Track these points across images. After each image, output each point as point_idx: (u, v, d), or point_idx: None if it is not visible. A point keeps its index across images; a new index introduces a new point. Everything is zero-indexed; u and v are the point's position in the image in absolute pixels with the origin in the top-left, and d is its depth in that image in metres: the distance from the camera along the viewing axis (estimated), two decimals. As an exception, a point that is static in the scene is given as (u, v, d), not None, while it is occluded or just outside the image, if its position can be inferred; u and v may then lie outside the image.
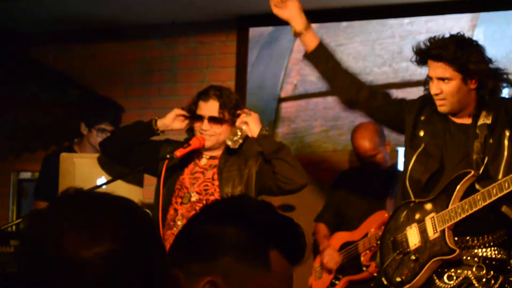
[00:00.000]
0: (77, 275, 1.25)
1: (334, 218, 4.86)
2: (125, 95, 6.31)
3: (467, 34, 5.22)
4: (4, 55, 6.34)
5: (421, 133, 3.58)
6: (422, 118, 3.61)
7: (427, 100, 3.63)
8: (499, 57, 5.15)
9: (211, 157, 4.04)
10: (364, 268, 4.52)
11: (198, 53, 6.11)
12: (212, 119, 3.98)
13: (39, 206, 5.13)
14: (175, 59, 6.20)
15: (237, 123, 3.98)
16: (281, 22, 6.04)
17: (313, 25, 5.86)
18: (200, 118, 4.00)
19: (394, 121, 3.73)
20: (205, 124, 3.98)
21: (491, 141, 3.44)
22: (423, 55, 3.53)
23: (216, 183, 3.97)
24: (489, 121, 3.47)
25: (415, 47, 3.55)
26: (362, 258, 4.57)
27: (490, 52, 5.12)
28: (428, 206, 3.49)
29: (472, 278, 3.39)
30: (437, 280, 3.46)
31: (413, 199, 3.54)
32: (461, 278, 3.41)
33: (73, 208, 1.31)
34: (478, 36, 5.20)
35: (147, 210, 4.43)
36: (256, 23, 5.92)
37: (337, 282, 4.69)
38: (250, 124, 3.97)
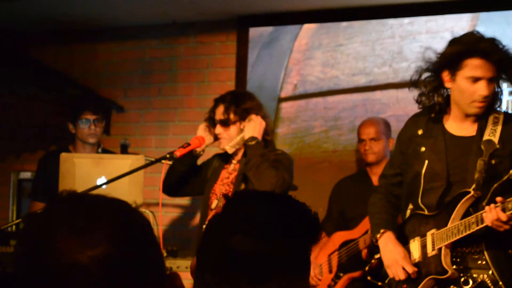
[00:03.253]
0: (73, 279, 1.25)
1: (331, 224, 4.89)
2: (125, 95, 6.32)
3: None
4: (4, 55, 6.34)
5: (422, 149, 3.49)
6: (420, 132, 3.52)
7: (420, 114, 3.57)
8: (499, 57, 5.17)
9: (238, 161, 4.12)
10: (367, 268, 4.51)
11: (198, 53, 6.11)
12: (220, 122, 4.10)
13: (36, 206, 5.13)
14: (175, 59, 6.20)
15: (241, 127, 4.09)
16: (281, 22, 6.07)
17: (313, 25, 5.90)
18: (215, 124, 4.16)
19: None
20: (217, 128, 4.12)
21: (493, 162, 3.36)
22: (470, 52, 3.32)
23: (232, 186, 4.05)
24: (495, 139, 3.37)
25: (462, 46, 3.33)
26: (363, 255, 4.56)
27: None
28: (431, 221, 3.44)
29: (488, 282, 3.35)
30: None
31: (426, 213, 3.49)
32: (477, 282, 3.36)
33: (67, 211, 1.30)
34: (478, 36, 5.20)
35: (148, 211, 4.45)
36: (256, 23, 5.92)
37: (337, 280, 4.70)
38: (245, 130, 4.06)
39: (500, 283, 3.33)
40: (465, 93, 3.35)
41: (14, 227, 4.90)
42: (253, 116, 4.08)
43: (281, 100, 5.82)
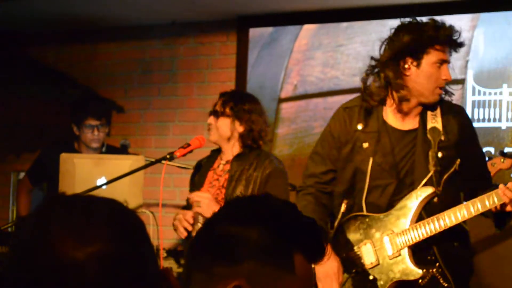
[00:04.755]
0: (70, 277, 1.25)
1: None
2: (125, 95, 6.32)
3: (467, 35, 5.26)
4: (4, 55, 6.34)
5: (365, 145, 3.36)
6: (359, 126, 3.39)
7: (351, 107, 3.45)
8: (499, 57, 5.18)
9: (226, 162, 4.09)
10: None
11: (198, 53, 6.11)
12: (213, 113, 4.10)
13: (24, 182, 5.39)
14: (175, 59, 6.20)
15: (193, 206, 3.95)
16: (281, 23, 6.07)
17: (313, 26, 5.89)
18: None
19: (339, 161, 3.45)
20: (210, 118, 4.11)
21: (440, 154, 3.29)
22: (437, 39, 3.31)
23: (224, 191, 4.01)
24: (439, 125, 3.31)
25: (430, 31, 3.32)
26: None
27: (490, 52, 5.15)
28: (383, 223, 3.32)
29: (437, 275, 3.29)
30: None
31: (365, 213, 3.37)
32: (427, 277, 3.30)
33: (61, 210, 1.31)
34: (478, 36, 5.21)
35: (148, 211, 4.45)
36: (256, 23, 5.92)
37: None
38: (202, 206, 3.88)
39: (448, 275, 3.27)
40: (431, 78, 3.29)
41: (14, 227, 4.90)
42: (196, 196, 3.90)
43: (281, 100, 5.82)
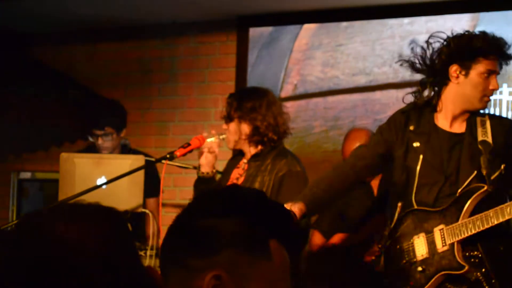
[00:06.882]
0: (74, 272, 1.26)
1: (331, 226, 4.86)
2: (125, 95, 6.31)
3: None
4: (4, 55, 6.34)
5: (416, 144, 3.51)
6: (411, 128, 3.54)
7: (408, 111, 3.58)
8: (499, 57, 5.18)
9: (247, 162, 4.09)
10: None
11: (198, 53, 6.12)
12: (223, 117, 4.10)
13: None
14: (175, 59, 6.21)
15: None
16: (281, 22, 6.08)
17: (313, 25, 5.90)
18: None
19: (388, 157, 3.60)
20: (224, 125, 4.10)
21: (486, 157, 3.40)
22: (486, 50, 3.43)
23: None
24: (489, 139, 3.43)
25: (480, 43, 3.44)
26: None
27: (490, 52, 5.14)
28: (437, 217, 3.43)
29: (482, 279, 3.35)
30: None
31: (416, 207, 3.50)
32: (471, 280, 3.36)
33: (61, 214, 1.32)
34: (478, 36, 5.20)
35: (148, 211, 4.44)
36: (256, 23, 5.92)
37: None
38: None
39: (494, 280, 3.33)
40: (478, 88, 3.44)
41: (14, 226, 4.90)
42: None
43: (281, 100, 5.81)
